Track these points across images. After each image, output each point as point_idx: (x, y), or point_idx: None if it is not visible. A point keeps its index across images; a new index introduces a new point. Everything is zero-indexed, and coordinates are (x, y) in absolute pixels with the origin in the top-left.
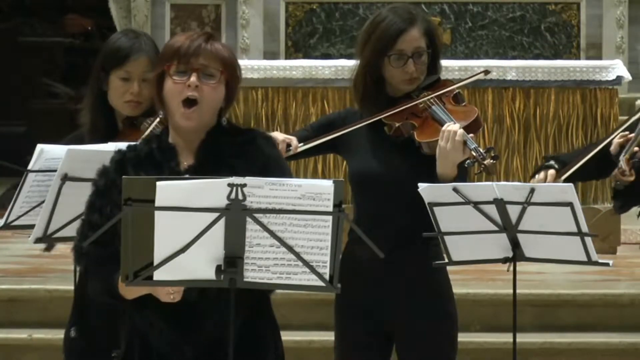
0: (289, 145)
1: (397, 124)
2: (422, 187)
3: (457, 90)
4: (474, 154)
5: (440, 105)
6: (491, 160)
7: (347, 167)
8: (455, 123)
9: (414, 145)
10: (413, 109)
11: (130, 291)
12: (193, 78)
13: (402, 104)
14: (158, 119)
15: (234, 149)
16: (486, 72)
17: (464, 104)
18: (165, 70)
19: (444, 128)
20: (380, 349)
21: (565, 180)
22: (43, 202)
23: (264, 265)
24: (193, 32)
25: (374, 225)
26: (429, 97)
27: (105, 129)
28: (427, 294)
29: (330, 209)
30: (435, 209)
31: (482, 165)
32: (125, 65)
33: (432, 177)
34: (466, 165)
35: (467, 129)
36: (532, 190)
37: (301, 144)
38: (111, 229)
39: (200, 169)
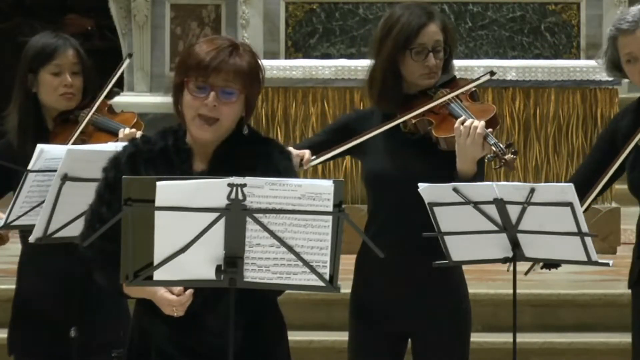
0: (301, 159)
1: (413, 121)
2: (422, 187)
3: (474, 89)
4: (494, 149)
5: (458, 102)
6: (511, 155)
7: (361, 166)
8: (470, 119)
9: (430, 142)
10: (429, 104)
11: (133, 291)
12: (211, 98)
13: (422, 103)
14: (93, 110)
15: (249, 160)
16: (492, 73)
17: (480, 102)
18: (184, 82)
19: (458, 124)
20: (394, 349)
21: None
22: (43, 202)
23: (264, 265)
24: (217, 40)
25: (389, 225)
26: (448, 95)
27: (34, 130)
28: (443, 293)
29: (330, 209)
30: (435, 209)
31: (503, 160)
32: (55, 59)
33: (448, 176)
34: (486, 160)
35: (486, 125)
36: (532, 190)
37: (314, 157)
38: (116, 224)
39: (213, 176)
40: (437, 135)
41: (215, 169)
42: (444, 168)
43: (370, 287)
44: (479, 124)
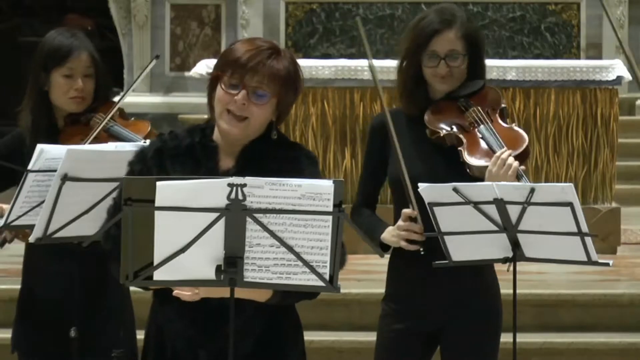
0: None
1: (441, 133)
2: (422, 187)
3: (503, 105)
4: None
5: (489, 123)
6: None
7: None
8: (507, 151)
9: (452, 149)
10: (459, 119)
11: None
12: (240, 96)
13: (448, 109)
14: (109, 116)
15: (276, 163)
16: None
17: (513, 123)
18: (219, 76)
19: (498, 155)
20: (425, 348)
21: None
22: (43, 202)
23: (264, 265)
24: (259, 41)
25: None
26: (477, 112)
27: (46, 128)
28: (476, 293)
29: (330, 209)
30: (435, 209)
31: None
32: (68, 62)
33: (469, 179)
34: None
35: (517, 157)
36: (532, 190)
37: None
38: None
39: (239, 175)
40: (468, 163)
41: (242, 169)
42: (466, 173)
43: (404, 287)
44: (515, 163)
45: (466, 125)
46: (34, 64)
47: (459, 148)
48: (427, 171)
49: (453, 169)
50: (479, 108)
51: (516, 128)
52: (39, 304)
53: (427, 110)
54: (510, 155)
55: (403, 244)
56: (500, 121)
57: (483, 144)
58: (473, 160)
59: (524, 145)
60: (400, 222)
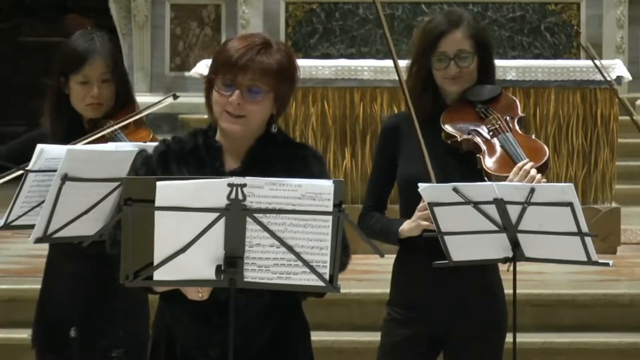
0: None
1: (459, 138)
2: (422, 187)
3: (522, 114)
4: None
5: (509, 132)
6: None
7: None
8: (529, 162)
9: (472, 159)
10: (478, 126)
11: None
12: (235, 96)
13: (464, 112)
14: (120, 124)
15: (283, 162)
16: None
17: (529, 135)
18: (212, 79)
19: (520, 165)
20: (427, 353)
21: None
22: (43, 202)
23: (264, 265)
24: (251, 37)
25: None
26: (498, 120)
27: (67, 132)
28: (481, 296)
29: (330, 209)
30: (435, 209)
31: None
32: (83, 70)
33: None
34: None
35: (537, 169)
36: (532, 190)
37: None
38: None
39: (245, 175)
40: (488, 171)
41: (248, 168)
42: (476, 179)
43: (409, 291)
44: (537, 176)
45: (485, 133)
46: (52, 68)
47: (478, 155)
48: (442, 174)
49: (469, 173)
50: (499, 116)
51: (536, 139)
52: (51, 303)
53: (444, 113)
54: (532, 166)
55: (424, 223)
56: (520, 131)
57: (503, 153)
58: (493, 169)
59: (545, 158)
60: (419, 206)
